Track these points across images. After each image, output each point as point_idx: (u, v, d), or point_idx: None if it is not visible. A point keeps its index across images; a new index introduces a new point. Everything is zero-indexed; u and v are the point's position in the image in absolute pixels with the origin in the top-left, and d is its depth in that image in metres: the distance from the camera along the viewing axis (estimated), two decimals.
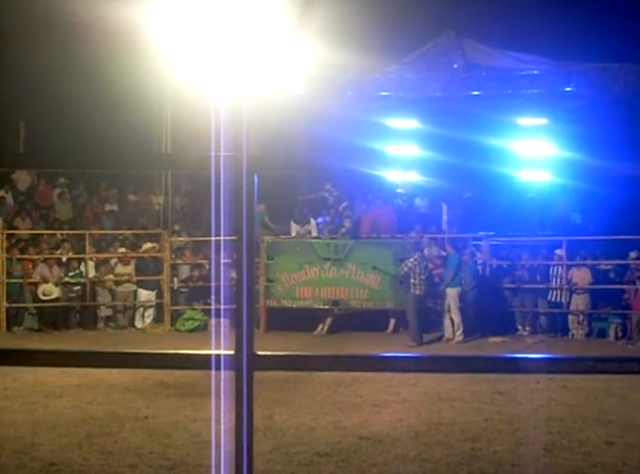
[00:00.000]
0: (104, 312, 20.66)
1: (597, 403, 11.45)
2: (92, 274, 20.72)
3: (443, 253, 19.68)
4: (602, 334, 18.74)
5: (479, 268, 19.56)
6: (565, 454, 8.93)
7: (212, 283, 18.66)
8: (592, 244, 19.75)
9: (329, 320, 19.61)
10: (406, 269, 18.15)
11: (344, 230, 20.81)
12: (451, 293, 18.40)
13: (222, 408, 3.21)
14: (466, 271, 18.68)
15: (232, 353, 2.89)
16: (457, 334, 18.23)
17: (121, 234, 22.02)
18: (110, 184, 24.08)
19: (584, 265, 19.17)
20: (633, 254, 18.96)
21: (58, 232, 21.75)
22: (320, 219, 21.74)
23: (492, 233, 20.00)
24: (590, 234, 19.86)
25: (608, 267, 19.36)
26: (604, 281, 19.01)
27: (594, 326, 18.95)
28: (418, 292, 18.09)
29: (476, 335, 18.45)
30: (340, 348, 17.25)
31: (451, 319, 18.37)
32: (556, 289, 19.26)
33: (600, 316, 18.93)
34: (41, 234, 21.51)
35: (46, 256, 20.54)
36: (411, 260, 18.17)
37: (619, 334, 18.55)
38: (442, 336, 18.42)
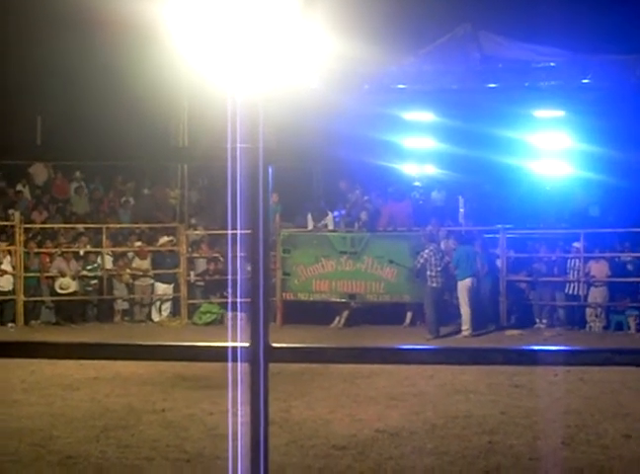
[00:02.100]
0: (120, 305, 20.72)
1: (614, 396, 11.41)
2: (109, 267, 20.79)
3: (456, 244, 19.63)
4: (620, 326, 18.67)
5: (495, 259, 19.49)
6: (583, 448, 8.91)
7: (229, 277, 18.68)
8: (610, 236, 19.67)
9: (346, 313, 19.61)
10: (422, 261, 18.11)
11: (360, 223, 20.78)
12: (460, 286, 18.30)
13: (239, 400, 3.21)
14: (478, 261, 18.59)
15: (247, 345, 2.89)
16: (464, 328, 18.12)
17: (138, 228, 22.08)
18: (126, 178, 24.15)
19: (602, 257, 19.10)
20: None
21: (75, 226, 21.81)
22: (336, 213, 21.72)
23: (509, 226, 19.92)
24: (608, 226, 19.79)
25: (627, 259, 19.29)
26: (623, 274, 18.94)
27: (611, 319, 18.88)
28: (435, 285, 18.04)
29: (491, 327, 18.43)
30: (356, 341, 17.25)
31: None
32: (574, 282, 19.20)
33: (618, 309, 18.86)
34: (59, 228, 21.59)
35: (64, 249, 20.62)
36: (426, 251, 18.14)
37: (638, 326, 18.49)
38: (460, 329, 18.36)
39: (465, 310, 18.13)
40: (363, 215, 20.97)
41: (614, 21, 20.17)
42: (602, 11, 20.38)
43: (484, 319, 18.49)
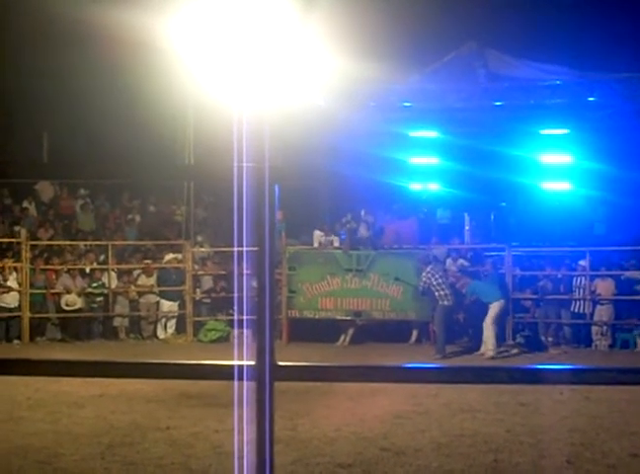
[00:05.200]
0: (122, 322, 20.66)
1: (620, 414, 11.36)
2: (114, 284, 20.79)
3: (465, 263, 19.57)
4: (626, 345, 18.63)
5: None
6: (588, 466, 8.86)
7: (235, 294, 18.67)
8: (616, 254, 19.64)
9: (351, 331, 19.58)
10: (422, 283, 17.91)
11: (364, 239, 20.69)
12: (492, 306, 17.89)
13: (245, 418, 3.21)
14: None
15: (253, 363, 2.89)
16: (489, 349, 17.60)
17: (144, 245, 22.10)
18: (132, 195, 24.21)
19: (608, 275, 19.06)
20: None
21: (81, 243, 21.86)
22: (341, 232, 21.69)
23: (515, 244, 19.88)
24: (614, 244, 19.75)
25: (633, 277, 19.24)
26: (629, 292, 18.90)
27: (617, 337, 18.83)
28: (446, 303, 17.80)
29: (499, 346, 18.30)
30: (362, 358, 17.20)
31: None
32: (579, 300, 19.16)
33: (624, 327, 18.82)
34: (65, 245, 21.62)
35: (70, 266, 20.65)
36: (424, 273, 17.92)
37: None
38: (469, 348, 18.15)
39: (491, 330, 17.74)
40: (363, 230, 20.84)
41: (619, 40, 20.19)
42: (608, 30, 20.41)
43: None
